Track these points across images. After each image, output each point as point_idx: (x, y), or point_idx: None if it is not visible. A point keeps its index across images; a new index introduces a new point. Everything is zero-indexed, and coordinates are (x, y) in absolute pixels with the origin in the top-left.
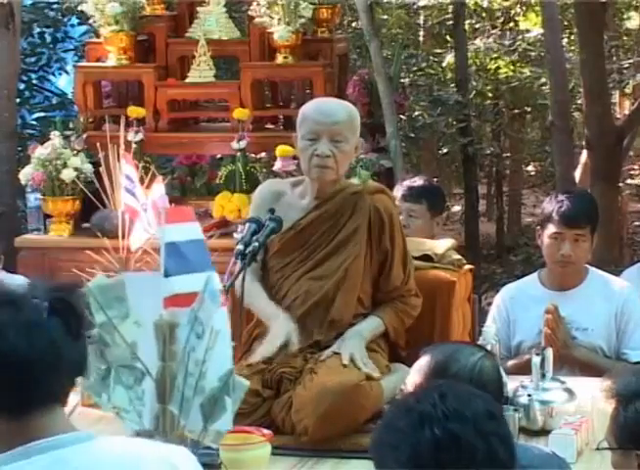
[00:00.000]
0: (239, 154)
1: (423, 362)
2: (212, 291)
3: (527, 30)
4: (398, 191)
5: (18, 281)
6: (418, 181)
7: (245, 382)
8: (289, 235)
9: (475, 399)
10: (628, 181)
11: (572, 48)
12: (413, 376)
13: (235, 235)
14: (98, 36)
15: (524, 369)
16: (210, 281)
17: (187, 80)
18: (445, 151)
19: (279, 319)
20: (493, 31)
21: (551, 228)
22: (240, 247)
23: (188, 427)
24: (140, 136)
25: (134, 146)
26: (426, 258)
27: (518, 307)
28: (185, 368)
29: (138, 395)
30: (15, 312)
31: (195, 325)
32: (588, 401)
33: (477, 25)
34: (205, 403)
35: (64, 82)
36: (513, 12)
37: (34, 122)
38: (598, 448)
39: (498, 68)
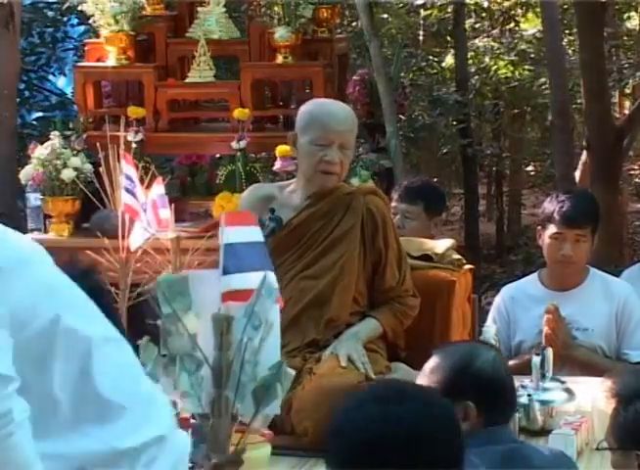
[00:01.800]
0: (239, 154)
1: (438, 361)
2: (269, 288)
3: (527, 29)
4: (396, 191)
5: None
6: (416, 182)
7: (292, 372)
8: (282, 234)
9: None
10: (628, 181)
11: (572, 48)
12: (431, 376)
13: None
14: (98, 36)
15: (524, 369)
16: (267, 279)
17: (187, 80)
18: (445, 151)
19: None
20: (493, 31)
21: (552, 228)
22: None
23: (241, 411)
24: (140, 136)
25: (134, 146)
26: (426, 257)
27: (518, 307)
28: (242, 357)
29: (198, 381)
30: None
31: (252, 317)
32: (588, 401)
33: (476, 25)
34: (257, 390)
35: (63, 82)
36: (513, 12)
37: (34, 122)
38: (598, 449)
39: (498, 67)
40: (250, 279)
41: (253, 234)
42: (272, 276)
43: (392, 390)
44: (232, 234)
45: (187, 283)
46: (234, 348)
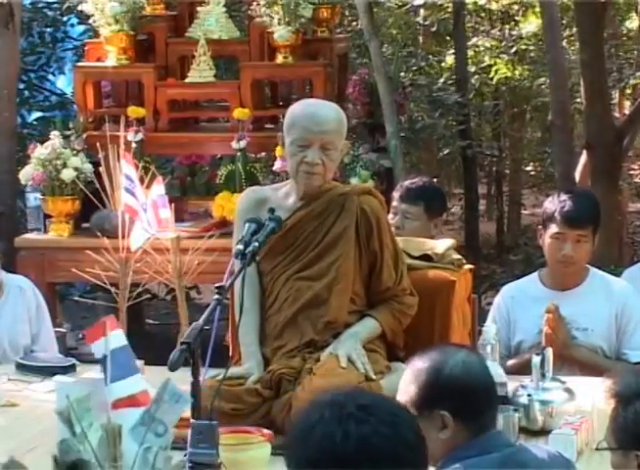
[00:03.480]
0: (239, 154)
1: (414, 375)
2: (174, 392)
3: (527, 29)
4: (397, 191)
5: (18, 282)
6: (417, 182)
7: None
8: (277, 236)
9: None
10: (628, 181)
11: (572, 48)
12: (405, 390)
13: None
14: (98, 36)
15: (524, 369)
16: (170, 384)
17: (187, 80)
18: (445, 152)
19: (250, 362)
20: (493, 31)
21: (553, 228)
22: (240, 247)
23: None
24: (140, 136)
25: (134, 146)
26: (426, 257)
27: (518, 307)
28: (143, 464)
29: None
30: None
31: (152, 425)
32: (588, 401)
33: (476, 25)
34: None
35: (63, 82)
36: (512, 11)
37: (34, 122)
38: (598, 449)
39: (497, 67)
40: (131, 384)
41: (120, 338)
42: (140, 380)
43: (356, 405)
44: (99, 347)
45: (90, 398)
46: (132, 456)
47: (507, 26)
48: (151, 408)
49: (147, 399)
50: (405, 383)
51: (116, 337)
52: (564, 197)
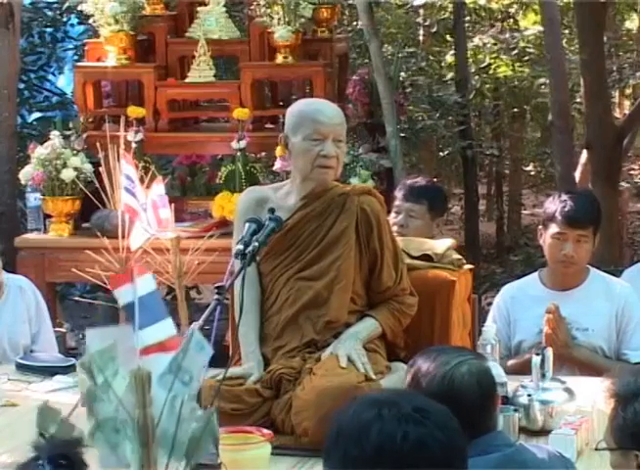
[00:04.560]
0: (239, 154)
1: (411, 375)
2: (199, 342)
3: (527, 28)
4: (400, 190)
5: (18, 282)
6: (420, 181)
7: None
8: (277, 236)
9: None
10: (628, 181)
11: (572, 48)
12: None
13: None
14: (98, 36)
15: (524, 369)
16: (196, 334)
17: (187, 80)
18: (445, 153)
19: (250, 362)
20: (493, 31)
21: (554, 228)
22: (240, 247)
23: (171, 464)
24: (140, 136)
25: (134, 146)
26: (426, 257)
27: (518, 307)
28: (174, 410)
29: (123, 450)
30: None
31: (179, 374)
32: (588, 401)
33: (476, 25)
34: (189, 443)
35: (63, 82)
36: (512, 11)
37: (34, 122)
38: (597, 449)
39: (497, 66)
40: (158, 331)
41: (149, 283)
42: (198, 332)
43: (412, 407)
44: (129, 292)
45: (115, 347)
46: (159, 403)
47: (507, 26)
48: (178, 356)
49: (176, 345)
50: (404, 385)
51: (146, 282)
52: (564, 197)
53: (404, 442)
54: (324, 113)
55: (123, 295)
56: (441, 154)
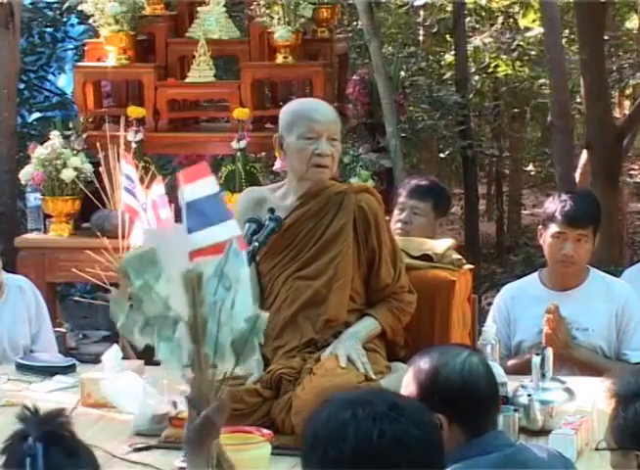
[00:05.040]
0: (239, 154)
1: (414, 375)
2: (235, 249)
3: (527, 28)
4: (405, 188)
5: (18, 282)
6: (426, 180)
7: (264, 314)
8: (275, 235)
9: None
10: (628, 181)
11: (572, 48)
12: (409, 389)
13: None
14: (98, 36)
15: (524, 369)
16: (234, 241)
17: (187, 80)
18: (446, 153)
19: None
20: (493, 30)
21: (554, 228)
22: None
23: (221, 364)
24: (140, 136)
25: (134, 146)
26: (426, 257)
27: (518, 307)
28: (215, 314)
29: (177, 343)
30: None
31: (222, 279)
32: (588, 401)
33: (476, 25)
34: (235, 343)
35: (63, 82)
36: (512, 11)
37: (34, 122)
38: (597, 449)
39: (497, 66)
40: (214, 234)
41: (209, 186)
42: (233, 227)
43: (386, 404)
44: (191, 191)
45: (155, 253)
46: (207, 306)
47: (507, 26)
48: (221, 262)
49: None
50: (406, 381)
51: (207, 184)
52: (564, 197)
53: (381, 440)
54: (318, 111)
55: (187, 193)
56: (441, 154)
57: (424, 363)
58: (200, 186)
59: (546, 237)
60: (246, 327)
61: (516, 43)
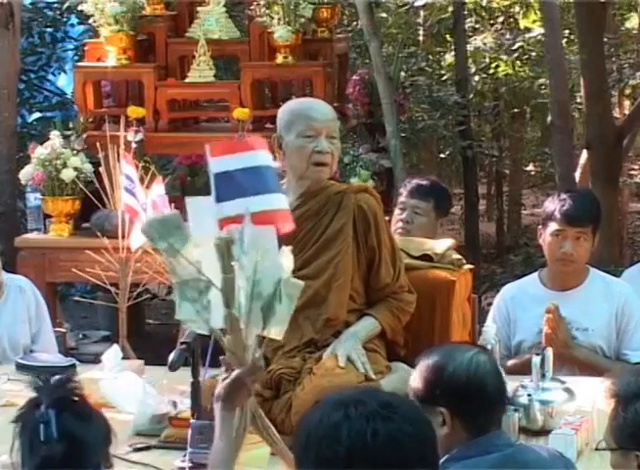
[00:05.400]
0: None
1: (421, 368)
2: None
3: (527, 29)
4: (406, 187)
5: (18, 281)
6: (427, 180)
7: (299, 283)
8: None
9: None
10: (628, 181)
11: (572, 48)
12: (415, 382)
13: None
14: (98, 36)
15: (524, 369)
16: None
17: (187, 80)
18: (446, 153)
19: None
20: (493, 31)
21: (553, 226)
22: None
23: (250, 325)
24: (140, 136)
25: (134, 146)
26: (426, 257)
27: (518, 307)
28: (242, 278)
29: (204, 305)
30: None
31: (247, 247)
32: (588, 401)
33: (476, 25)
34: (264, 306)
35: (63, 82)
36: (513, 11)
37: (34, 122)
38: (597, 449)
39: (497, 66)
40: (241, 204)
41: (246, 160)
42: (269, 198)
43: (378, 403)
44: (219, 163)
45: (179, 218)
46: (237, 272)
47: (507, 26)
48: (246, 230)
49: (280, 219)
50: (415, 373)
51: (249, 158)
52: (564, 196)
53: (375, 438)
54: (316, 109)
55: (216, 164)
56: (442, 154)
57: (431, 358)
58: (234, 159)
59: (545, 236)
60: (272, 291)
61: (518, 45)
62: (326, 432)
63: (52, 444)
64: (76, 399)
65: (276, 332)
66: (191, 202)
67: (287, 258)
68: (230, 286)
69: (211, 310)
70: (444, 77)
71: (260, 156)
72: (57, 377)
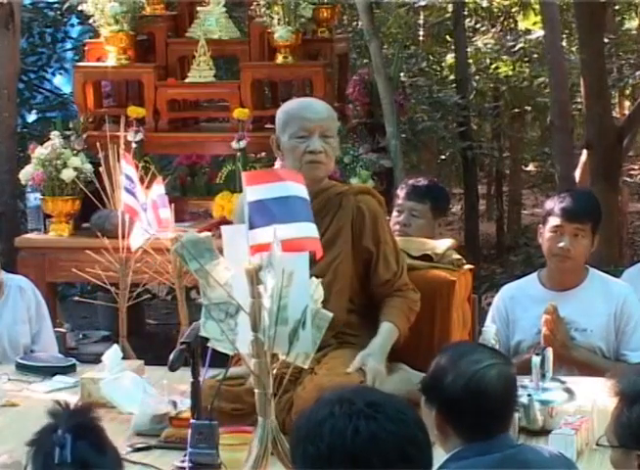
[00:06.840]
0: (239, 154)
1: (435, 361)
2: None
3: (528, 30)
4: (403, 189)
5: (18, 281)
6: (423, 181)
7: (328, 314)
8: None
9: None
10: (628, 181)
11: (572, 48)
12: (428, 370)
13: None
14: (98, 36)
15: (523, 369)
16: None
17: (187, 80)
18: (446, 154)
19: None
20: (493, 31)
21: (552, 222)
22: None
23: (275, 350)
24: (140, 136)
25: (134, 146)
26: (426, 257)
27: (517, 307)
28: (277, 303)
29: (230, 326)
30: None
31: (276, 272)
32: (588, 401)
33: (477, 25)
34: (290, 332)
35: (63, 82)
36: (513, 11)
37: (34, 123)
38: (598, 444)
39: (497, 67)
40: (272, 232)
41: (277, 190)
42: (300, 226)
43: (365, 402)
44: (254, 192)
45: (211, 241)
46: (265, 297)
47: (507, 26)
48: (275, 257)
49: (308, 246)
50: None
51: (280, 188)
52: (564, 194)
53: (355, 436)
54: (309, 109)
55: (252, 192)
56: (442, 156)
57: (445, 356)
58: (266, 189)
59: (545, 233)
60: (298, 319)
61: (519, 46)
62: (311, 429)
63: (64, 467)
64: (95, 428)
65: (301, 360)
66: (226, 229)
67: (317, 289)
68: (257, 310)
69: (238, 333)
70: (445, 78)
71: (290, 186)
72: (78, 403)
